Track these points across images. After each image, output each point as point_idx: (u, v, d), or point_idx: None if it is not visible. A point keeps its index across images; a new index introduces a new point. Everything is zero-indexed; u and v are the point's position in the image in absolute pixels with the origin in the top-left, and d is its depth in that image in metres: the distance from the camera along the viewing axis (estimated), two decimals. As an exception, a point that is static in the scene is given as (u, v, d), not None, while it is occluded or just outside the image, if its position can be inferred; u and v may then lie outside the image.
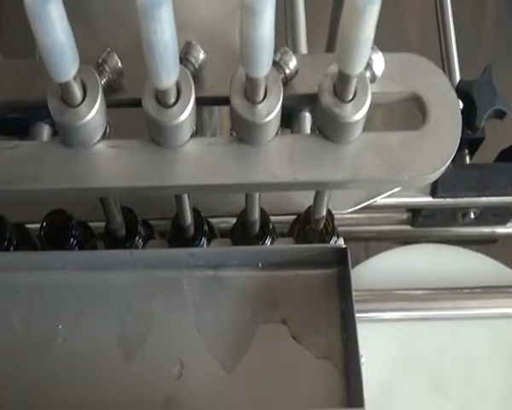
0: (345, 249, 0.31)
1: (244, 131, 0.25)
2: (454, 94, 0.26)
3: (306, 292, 0.32)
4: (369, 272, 0.39)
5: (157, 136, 0.25)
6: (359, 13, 0.18)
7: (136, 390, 0.30)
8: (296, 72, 0.25)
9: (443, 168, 0.26)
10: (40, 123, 0.30)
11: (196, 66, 0.25)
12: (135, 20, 0.19)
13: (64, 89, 0.23)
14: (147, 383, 0.30)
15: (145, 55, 0.20)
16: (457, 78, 0.42)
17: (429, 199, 0.38)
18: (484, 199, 0.37)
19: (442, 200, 0.38)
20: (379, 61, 0.25)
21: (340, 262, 0.32)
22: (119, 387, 0.30)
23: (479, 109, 0.36)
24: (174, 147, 0.26)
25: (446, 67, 0.41)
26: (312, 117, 0.28)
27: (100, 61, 0.25)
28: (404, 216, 0.42)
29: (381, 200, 0.38)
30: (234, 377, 0.30)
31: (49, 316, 0.31)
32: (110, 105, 0.26)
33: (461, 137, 0.39)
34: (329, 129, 0.25)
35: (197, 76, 0.25)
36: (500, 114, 0.37)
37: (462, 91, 0.37)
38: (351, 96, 0.23)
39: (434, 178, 0.26)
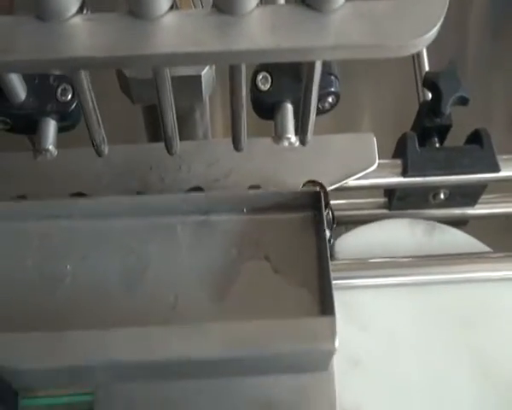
0: (318, 193, 0.34)
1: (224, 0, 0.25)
2: None
3: (286, 232, 0.35)
4: (348, 244, 0.40)
5: (135, 5, 0.25)
6: None
7: (136, 317, 0.32)
8: None
9: (429, 34, 0.25)
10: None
11: None
12: None
13: None
14: (145, 311, 0.33)
15: None
16: (427, 69, 0.45)
17: (401, 179, 0.39)
18: (451, 178, 0.39)
19: (413, 179, 0.38)
20: None
21: (315, 205, 0.34)
22: (122, 315, 0.32)
23: (444, 97, 0.39)
24: (152, 18, 0.25)
25: (416, 60, 0.44)
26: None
27: None
28: (381, 200, 0.43)
29: (355, 181, 0.39)
30: (222, 306, 0.33)
31: (58, 259, 0.34)
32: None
33: (430, 125, 0.42)
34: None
35: None
36: (463, 101, 0.39)
37: (429, 81, 0.40)
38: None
39: (421, 46, 0.25)
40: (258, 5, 0.25)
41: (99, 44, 0.25)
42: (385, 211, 0.43)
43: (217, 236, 0.35)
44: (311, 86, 0.30)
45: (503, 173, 0.38)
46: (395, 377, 0.38)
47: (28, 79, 0.39)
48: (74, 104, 0.41)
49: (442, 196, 0.40)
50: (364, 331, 0.38)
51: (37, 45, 0.25)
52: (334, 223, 0.38)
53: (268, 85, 0.40)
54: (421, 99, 0.42)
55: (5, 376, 0.30)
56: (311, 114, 0.32)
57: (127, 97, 0.41)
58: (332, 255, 0.39)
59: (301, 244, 0.34)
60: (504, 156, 0.38)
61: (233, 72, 0.29)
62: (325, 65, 0.39)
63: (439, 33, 0.25)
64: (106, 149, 0.35)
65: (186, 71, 0.38)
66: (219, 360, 0.30)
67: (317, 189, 0.34)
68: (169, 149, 0.35)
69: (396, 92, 0.57)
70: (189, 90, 0.39)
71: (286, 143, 0.38)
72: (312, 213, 0.34)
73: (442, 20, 0.25)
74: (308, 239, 0.34)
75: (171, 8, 0.25)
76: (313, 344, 0.30)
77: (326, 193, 0.37)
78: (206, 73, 0.38)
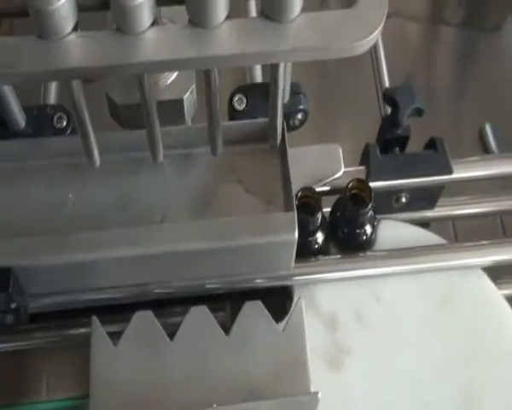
0: (282, 127, 0.39)
1: (197, 15, 0.29)
2: None
3: (256, 159, 0.41)
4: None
5: (121, 23, 0.29)
6: None
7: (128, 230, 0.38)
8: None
9: (369, 38, 0.29)
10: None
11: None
12: None
13: None
14: (136, 226, 0.38)
15: None
16: (387, 85, 0.50)
17: None
18: (409, 181, 0.43)
19: (375, 183, 0.42)
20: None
21: (282, 140, 0.40)
22: (116, 229, 0.38)
23: (401, 109, 0.44)
24: (136, 33, 0.29)
25: (378, 79, 0.49)
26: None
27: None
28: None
29: (323, 188, 0.43)
30: (202, 223, 0.38)
31: (61, 189, 0.40)
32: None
33: (391, 137, 0.46)
34: (272, 9, 0.29)
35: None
36: (419, 112, 0.44)
37: (388, 97, 0.45)
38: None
39: (363, 48, 0.30)
40: (226, 19, 0.30)
41: (91, 56, 0.29)
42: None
43: (196, 166, 0.41)
44: (276, 89, 0.34)
45: (455, 175, 0.43)
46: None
47: (27, 110, 0.44)
48: (69, 130, 0.45)
49: (404, 199, 0.44)
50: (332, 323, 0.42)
51: (38, 59, 0.29)
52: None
53: (243, 106, 0.44)
54: (383, 113, 0.47)
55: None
56: (279, 117, 0.37)
57: (116, 123, 0.45)
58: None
59: (268, 169, 0.40)
60: (456, 160, 0.43)
61: (208, 78, 0.33)
62: (294, 85, 0.44)
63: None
64: (98, 160, 0.39)
65: (169, 95, 0.43)
66: (202, 250, 0.37)
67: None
68: (154, 157, 0.39)
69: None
70: (172, 113, 0.43)
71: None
72: (280, 146, 0.41)
73: (380, 27, 0.30)
74: (274, 164, 0.40)
75: (153, 24, 0.30)
76: (279, 235, 0.37)
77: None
78: (188, 97, 0.43)
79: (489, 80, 0.74)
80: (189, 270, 0.40)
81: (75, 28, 0.30)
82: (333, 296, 0.43)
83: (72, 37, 0.30)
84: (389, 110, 0.45)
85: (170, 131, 0.40)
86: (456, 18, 0.79)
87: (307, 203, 0.40)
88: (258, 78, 0.50)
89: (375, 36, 0.29)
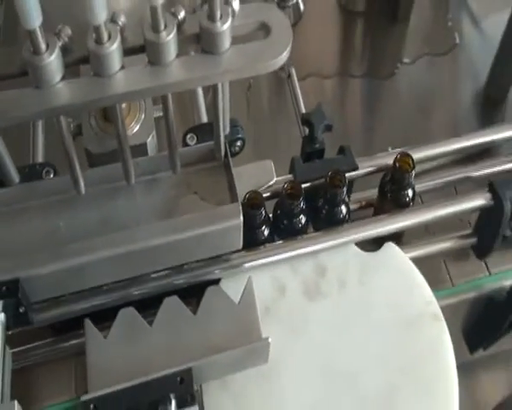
0: (225, 146, 0.48)
1: (153, 58, 0.38)
2: (287, 20, 0.42)
3: (207, 174, 0.49)
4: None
5: (97, 69, 0.37)
6: None
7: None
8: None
9: (278, 59, 0.39)
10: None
11: (120, 24, 0.38)
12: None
13: (33, 38, 0.35)
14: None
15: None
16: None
17: None
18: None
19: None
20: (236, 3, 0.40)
21: (225, 155, 0.48)
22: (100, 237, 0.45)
23: (315, 126, 0.54)
24: (109, 75, 0.38)
25: (296, 108, 0.59)
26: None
27: (57, 30, 0.38)
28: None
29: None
30: (167, 222, 0.45)
31: (53, 220, 0.48)
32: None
33: (310, 151, 0.57)
34: (209, 47, 0.38)
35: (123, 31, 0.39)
36: (328, 128, 0.54)
37: (305, 120, 0.55)
38: (218, 18, 0.37)
39: (276, 65, 0.39)
40: (176, 57, 0.39)
41: (76, 96, 0.38)
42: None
43: (161, 186, 0.48)
44: (217, 109, 0.44)
45: (360, 171, 0.53)
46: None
47: (20, 169, 0.50)
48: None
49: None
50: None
51: (35, 103, 0.38)
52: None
53: (194, 141, 0.54)
54: (303, 134, 0.57)
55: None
56: (221, 134, 0.46)
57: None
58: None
59: (217, 180, 0.49)
60: (360, 158, 0.53)
61: (165, 105, 0.43)
62: (232, 120, 0.54)
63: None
64: (83, 189, 0.47)
65: (136, 141, 0.52)
66: (169, 243, 0.44)
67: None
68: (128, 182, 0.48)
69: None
70: (139, 155, 0.52)
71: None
72: (224, 160, 0.49)
73: (287, 51, 0.40)
74: (221, 176, 0.49)
75: (122, 68, 0.39)
76: (228, 221, 0.44)
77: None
78: (150, 141, 0.52)
79: (388, 115, 0.87)
80: (161, 263, 0.47)
81: (63, 77, 0.38)
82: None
83: (61, 84, 0.38)
84: (307, 130, 0.55)
85: (138, 162, 0.48)
86: (359, 70, 0.93)
87: (254, 203, 0.49)
88: (204, 119, 0.60)
89: (284, 57, 0.40)
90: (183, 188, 0.49)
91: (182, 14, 0.39)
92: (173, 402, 0.41)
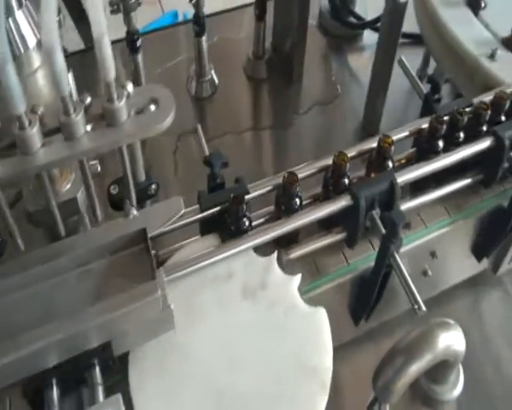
0: (144, 231, 0.50)
1: (67, 135, 0.43)
2: (171, 95, 0.46)
3: (130, 257, 0.50)
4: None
5: (23, 148, 0.42)
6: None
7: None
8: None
9: (167, 121, 0.44)
10: None
11: (39, 113, 0.43)
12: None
13: (19, 121, 0.40)
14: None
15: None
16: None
17: (199, 215, 0.57)
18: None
19: (205, 213, 0.56)
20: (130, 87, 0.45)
21: (144, 240, 0.50)
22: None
23: (214, 165, 0.59)
24: (32, 153, 0.43)
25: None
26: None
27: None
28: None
29: (175, 224, 0.54)
30: (98, 308, 0.46)
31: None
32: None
33: (213, 185, 0.62)
34: (110, 120, 0.43)
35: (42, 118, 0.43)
36: (225, 165, 0.57)
37: (207, 161, 0.62)
38: (115, 99, 0.43)
39: (164, 128, 0.44)
40: (85, 133, 0.45)
41: (7, 170, 0.43)
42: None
43: (93, 274, 0.49)
44: (125, 164, 0.49)
45: (252, 194, 0.59)
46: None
47: None
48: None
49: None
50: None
51: (17, 165, 0.43)
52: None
53: (116, 191, 0.59)
54: (208, 173, 0.63)
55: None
56: (130, 185, 0.51)
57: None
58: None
59: (140, 262, 0.50)
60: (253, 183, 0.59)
61: (83, 170, 0.49)
62: (146, 169, 0.60)
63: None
64: (22, 244, 0.50)
65: (67, 196, 0.55)
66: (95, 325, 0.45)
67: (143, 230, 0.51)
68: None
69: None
70: (71, 208, 0.56)
71: (131, 216, 0.54)
72: (143, 245, 0.51)
73: (171, 117, 0.46)
74: (144, 260, 0.50)
75: (43, 145, 0.44)
76: (147, 297, 0.46)
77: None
78: (80, 195, 0.56)
79: (292, 155, 0.96)
80: (97, 340, 0.47)
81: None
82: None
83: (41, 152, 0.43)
84: (209, 169, 0.62)
85: (71, 257, 0.49)
86: (266, 123, 1.02)
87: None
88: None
89: (169, 121, 0.46)
90: (112, 273, 0.50)
91: (88, 100, 0.45)
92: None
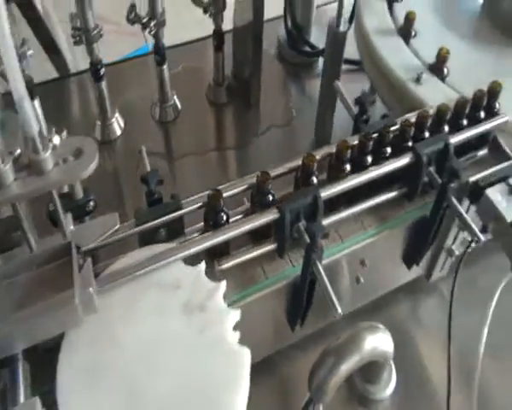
0: (69, 243, 0.50)
1: (35, 168, 0.44)
2: (95, 145, 0.46)
3: (58, 270, 0.50)
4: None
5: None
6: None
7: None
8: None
9: (90, 168, 0.45)
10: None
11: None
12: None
13: None
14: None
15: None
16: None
17: (135, 229, 0.57)
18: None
19: (141, 227, 0.57)
20: (56, 139, 0.46)
21: (69, 252, 0.50)
22: None
23: (150, 183, 0.59)
24: (6, 186, 0.43)
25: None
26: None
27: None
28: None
29: (110, 239, 0.55)
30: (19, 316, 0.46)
31: None
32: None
33: (151, 201, 0.65)
34: (36, 169, 0.43)
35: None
36: (160, 182, 0.59)
37: (143, 180, 0.63)
38: (41, 151, 0.44)
39: (87, 174, 0.45)
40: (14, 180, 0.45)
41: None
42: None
43: (20, 284, 0.50)
44: (55, 204, 0.50)
45: (184, 210, 0.61)
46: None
47: None
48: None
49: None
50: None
51: None
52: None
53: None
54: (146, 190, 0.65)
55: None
56: (61, 215, 0.52)
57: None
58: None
59: (65, 273, 0.49)
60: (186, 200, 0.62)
61: (13, 207, 0.49)
62: (84, 186, 0.62)
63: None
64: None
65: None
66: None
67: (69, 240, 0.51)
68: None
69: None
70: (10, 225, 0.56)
71: (67, 231, 0.53)
72: (67, 258, 0.51)
73: (94, 164, 0.46)
74: (68, 268, 0.49)
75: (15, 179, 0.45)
76: (65, 305, 0.47)
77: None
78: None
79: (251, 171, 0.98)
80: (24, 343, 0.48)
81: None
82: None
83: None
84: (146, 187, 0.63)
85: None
86: (226, 144, 1.04)
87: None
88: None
89: (92, 168, 0.46)
90: (36, 283, 0.50)
91: (17, 151, 0.45)
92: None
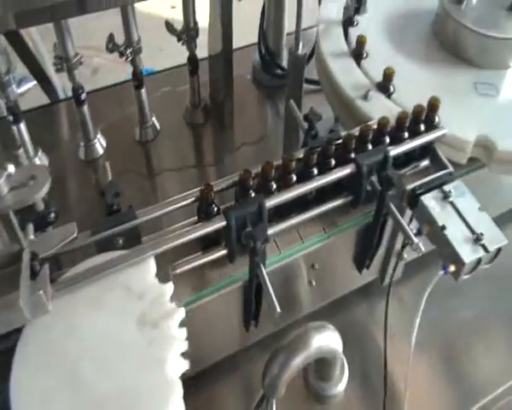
0: (20, 250, 0.51)
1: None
2: (47, 172, 0.49)
3: (10, 275, 0.50)
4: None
5: None
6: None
7: None
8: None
9: (42, 191, 0.47)
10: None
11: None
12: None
13: None
14: None
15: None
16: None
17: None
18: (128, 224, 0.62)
19: (97, 236, 0.59)
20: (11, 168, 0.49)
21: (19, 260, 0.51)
22: None
23: (108, 195, 0.65)
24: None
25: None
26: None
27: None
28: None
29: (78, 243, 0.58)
30: None
31: None
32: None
33: (109, 212, 0.67)
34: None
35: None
36: (117, 194, 0.62)
37: (102, 192, 0.66)
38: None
39: (40, 197, 0.47)
40: None
41: None
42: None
43: None
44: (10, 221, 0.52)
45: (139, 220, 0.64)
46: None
47: None
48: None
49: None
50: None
51: None
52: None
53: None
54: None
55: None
56: (17, 228, 0.53)
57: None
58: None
59: (16, 277, 0.49)
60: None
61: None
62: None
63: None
64: None
65: None
66: None
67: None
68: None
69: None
70: None
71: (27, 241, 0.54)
72: (15, 267, 0.51)
73: (47, 187, 0.49)
74: (15, 282, 0.49)
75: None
76: (11, 310, 0.47)
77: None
78: None
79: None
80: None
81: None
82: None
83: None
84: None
85: None
86: (203, 163, 1.06)
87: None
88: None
89: (44, 191, 0.48)
90: None
91: None
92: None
